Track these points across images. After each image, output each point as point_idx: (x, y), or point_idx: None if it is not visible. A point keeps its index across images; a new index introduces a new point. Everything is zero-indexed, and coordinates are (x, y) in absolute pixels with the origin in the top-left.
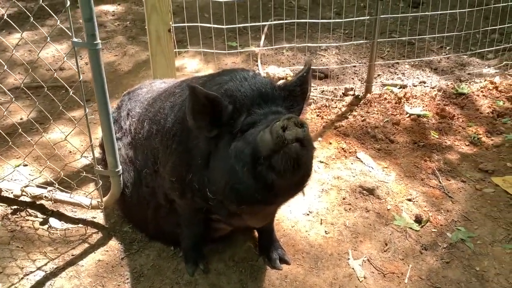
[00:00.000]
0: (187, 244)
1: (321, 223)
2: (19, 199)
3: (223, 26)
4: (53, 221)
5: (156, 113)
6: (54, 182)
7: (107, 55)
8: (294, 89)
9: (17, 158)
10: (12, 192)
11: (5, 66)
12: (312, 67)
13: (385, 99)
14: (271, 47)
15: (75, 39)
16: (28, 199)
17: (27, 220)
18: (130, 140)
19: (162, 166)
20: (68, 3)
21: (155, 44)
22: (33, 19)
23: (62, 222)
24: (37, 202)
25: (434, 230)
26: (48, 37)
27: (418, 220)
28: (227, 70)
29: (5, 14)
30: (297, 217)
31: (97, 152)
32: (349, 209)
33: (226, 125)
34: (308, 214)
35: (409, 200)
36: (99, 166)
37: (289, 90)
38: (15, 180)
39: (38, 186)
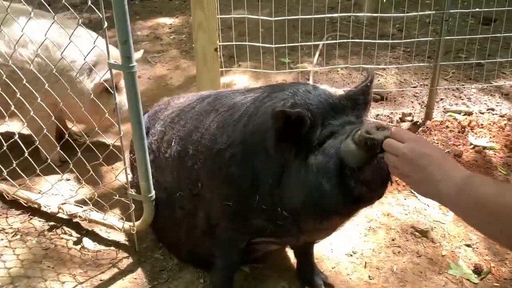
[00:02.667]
0: (218, 277)
1: (365, 266)
2: (56, 216)
3: (272, 45)
4: (86, 241)
5: (192, 133)
6: (89, 202)
7: (160, 69)
8: (358, 98)
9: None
10: (49, 209)
11: (46, 85)
12: None
13: (447, 127)
14: (324, 67)
15: (111, 61)
16: (65, 216)
17: (62, 238)
18: (152, 158)
19: (209, 190)
20: (106, 24)
21: (201, 62)
22: None
23: (95, 243)
24: (74, 220)
25: (496, 284)
26: (85, 58)
27: (477, 270)
28: (282, 85)
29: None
30: (338, 258)
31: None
32: (398, 252)
33: (303, 140)
34: (351, 255)
35: (468, 245)
36: (132, 190)
37: (354, 100)
38: (55, 195)
39: (75, 204)
